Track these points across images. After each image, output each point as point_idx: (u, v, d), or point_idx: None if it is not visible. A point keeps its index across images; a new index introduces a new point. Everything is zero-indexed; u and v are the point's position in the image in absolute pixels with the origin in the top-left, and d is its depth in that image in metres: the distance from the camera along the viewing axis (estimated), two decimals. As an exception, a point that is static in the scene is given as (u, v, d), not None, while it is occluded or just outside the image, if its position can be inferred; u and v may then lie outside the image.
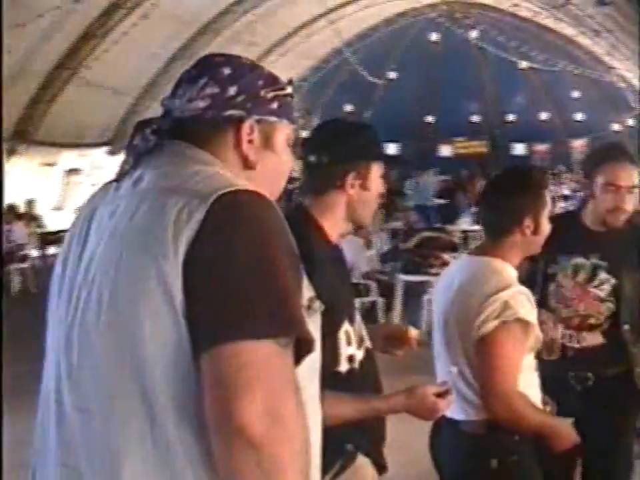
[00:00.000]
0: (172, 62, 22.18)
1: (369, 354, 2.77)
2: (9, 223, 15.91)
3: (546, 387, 3.18)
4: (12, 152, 20.08)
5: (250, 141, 1.84)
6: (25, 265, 15.55)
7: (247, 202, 1.61)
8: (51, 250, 17.17)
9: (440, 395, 2.67)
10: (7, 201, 17.65)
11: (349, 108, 32.06)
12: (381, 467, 2.77)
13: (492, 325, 2.94)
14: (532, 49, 25.56)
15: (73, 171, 22.33)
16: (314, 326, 1.76)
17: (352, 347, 2.66)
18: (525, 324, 2.97)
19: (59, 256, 1.83)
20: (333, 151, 2.76)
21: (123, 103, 22.40)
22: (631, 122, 28.58)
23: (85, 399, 1.63)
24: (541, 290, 3.76)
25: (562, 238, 3.45)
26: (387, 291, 10.62)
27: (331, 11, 24.54)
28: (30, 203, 18.91)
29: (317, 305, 1.82)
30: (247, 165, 1.84)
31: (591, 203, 3.80)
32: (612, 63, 25.03)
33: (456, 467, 3.17)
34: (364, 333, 2.79)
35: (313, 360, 1.75)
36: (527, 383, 3.04)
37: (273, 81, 1.90)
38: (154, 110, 17.56)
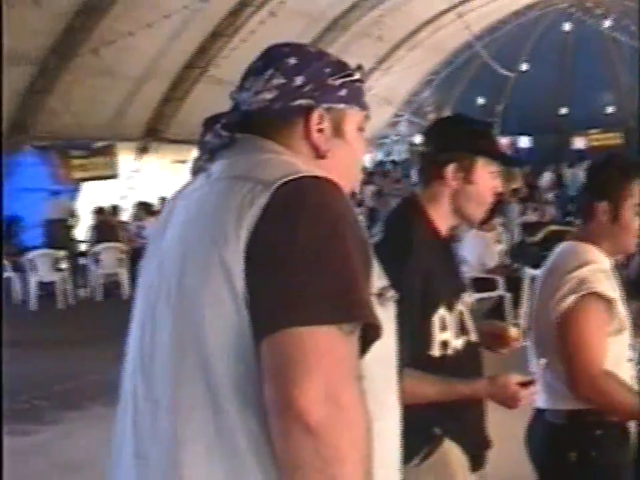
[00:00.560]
0: (300, 59, 22.33)
1: (471, 347, 2.79)
2: (141, 220, 16.33)
3: None
4: (144, 150, 20.67)
5: (320, 130, 1.81)
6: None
7: (312, 187, 1.59)
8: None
9: (524, 385, 2.67)
10: (139, 198, 18.16)
11: (480, 101, 31.75)
12: (475, 458, 2.77)
13: (569, 301, 2.87)
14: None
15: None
16: (386, 315, 1.72)
17: (447, 333, 2.69)
18: (606, 301, 2.88)
19: (146, 253, 1.86)
20: (436, 141, 2.88)
21: (252, 100, 22.67)
22: None
23: (154, 390, 1.65)
24: None
25: None
26: (514, 285, 10.46)
27: (459, 4, 24.32)
28: (163, 200, 19.34)
29: (390, 294, 1.76)
30: (318, 154, 1.82)
31: None
32: None
33: (539, 457, 3.12)
34: (469, 324, 2.80)
35: (386, 347, 1.72)
36: (617, 362, 2.93)
37: (340, 67, 1.87)
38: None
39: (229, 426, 1.54)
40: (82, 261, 15.72)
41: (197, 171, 1.83)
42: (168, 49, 18.61)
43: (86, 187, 19.32)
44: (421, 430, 2.35)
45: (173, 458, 1.58)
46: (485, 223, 10.71)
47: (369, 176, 23.16)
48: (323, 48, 2.18)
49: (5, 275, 14.28)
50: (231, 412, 1.53)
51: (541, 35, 31.79)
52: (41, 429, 7.24)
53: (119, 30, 16.07)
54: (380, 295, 1.71)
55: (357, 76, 1.89)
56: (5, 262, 14.22)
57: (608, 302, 2.88)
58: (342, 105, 1.84)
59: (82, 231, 16.69)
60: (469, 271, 9.92)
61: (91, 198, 18.17)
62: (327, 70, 1.84)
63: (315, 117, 1.80)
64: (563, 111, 32.82)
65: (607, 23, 26.20)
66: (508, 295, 10.59)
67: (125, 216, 18.64)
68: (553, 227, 11.41)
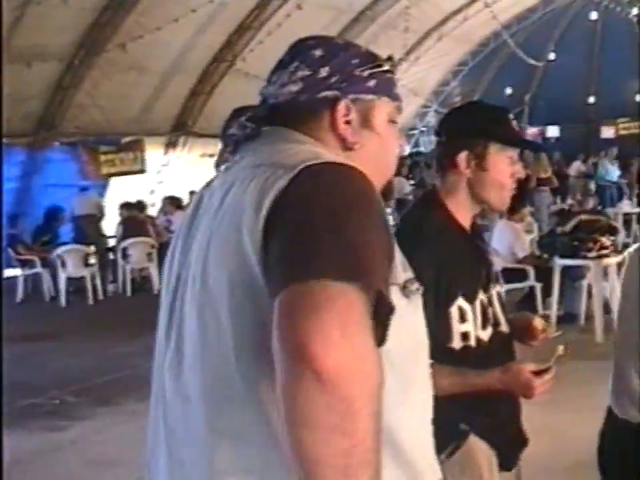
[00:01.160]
0: (327, 51, 22.32)
1: (502, 338, 2.76)
2: (170, 213, 16.34)
3: None
4: (172, 144, 20.72)
5: (347, 122, 1.78)
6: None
7: (334, 171, 1.56)
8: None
9: (538, 374, 2.60)
10: (168, 192, 18.18)
11: (508, 91, 31.63)
12: (506, 456, 2.74)
13: None
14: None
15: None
16: (412, 307, 1.71)
17: (467, 324, 2.65)
18: None
19: (172, 245, 1.84)
20: (448, 128, 2.85)
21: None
22: None
23: (184, 386, 1.63)
24: None
25: None
26: (544, 275, 10.33)
27: (486, -7, 24.16)
28: (192, 194, 19.35)
29: (415, 286, 1.72)
30: (346, 146, 1.79)
31: None
32: None
33: (611, 457, 3.01)
34: (499, 315, 2.78)
35: (415, 340, 1.73)
36: None
37: (369, 59, 1.84)
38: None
39: (258, 417, 1.51)
40: (111, 256, 15.78)
41: (221, 163, 1.82)
42: (194, 43, 18.65)
43: (114, 182, 19.42)
44: (448, 426, 2.26)
45: (203, 451, 1.56)
46: (514, 213, 10.64)
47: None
48: (349, 40, 2.16)
49: (35, 270, 14.39)
50: (257, 403, 1.51)
51: (568, 24, 31.66)
52: (73, 425, 7.24)
53: (146, 25, 16.14)
54: (404, 287, 1.68)
55: (386, 67, 1.86)
56: (35, 258, 14.31)
57: None
58: (370, 96, 1.81)
59: (111, 226, 16.74)
60: (498, 262, 9.83)
61: (119, 193, 18.22)
62: (355, 61, 1.81)
63: (341, 108, 1.77)
64: (591, 99, 32.62)
65: (635, 11, 26.04)
66: (538, 285, 10.47)
67: (154, 210, 18.68)
68: (584, 217, 11.26)
